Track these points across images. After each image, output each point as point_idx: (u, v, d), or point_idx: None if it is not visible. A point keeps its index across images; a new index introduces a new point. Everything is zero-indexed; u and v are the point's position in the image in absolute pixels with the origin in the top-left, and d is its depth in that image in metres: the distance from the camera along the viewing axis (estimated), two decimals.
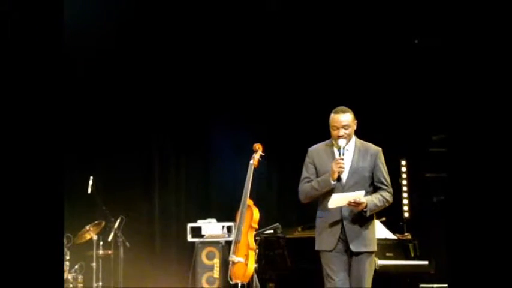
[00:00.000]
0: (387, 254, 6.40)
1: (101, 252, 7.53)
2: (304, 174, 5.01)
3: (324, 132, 7.75)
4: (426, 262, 6.55)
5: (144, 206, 8.31)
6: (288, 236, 6.70)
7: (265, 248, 6.69)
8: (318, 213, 4.98)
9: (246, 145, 7.03)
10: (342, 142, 4.84)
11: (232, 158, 7.78)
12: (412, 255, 6.59)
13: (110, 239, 7.55)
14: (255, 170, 6.80)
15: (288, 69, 8.14)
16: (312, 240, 6.69)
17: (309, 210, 7.75)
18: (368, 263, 4.85)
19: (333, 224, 4.85)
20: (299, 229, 6.93)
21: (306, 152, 7.88)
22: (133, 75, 8.24)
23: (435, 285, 6.84)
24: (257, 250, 6.65)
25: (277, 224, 6.82)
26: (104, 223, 7.54)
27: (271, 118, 8.12)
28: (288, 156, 8.10)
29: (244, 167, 6.85)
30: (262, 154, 6.81)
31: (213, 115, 8.22)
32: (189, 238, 7.74)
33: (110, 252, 7.59)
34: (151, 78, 8.29)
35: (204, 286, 7.49)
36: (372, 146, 4.97)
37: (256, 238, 6.72)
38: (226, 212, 7.67)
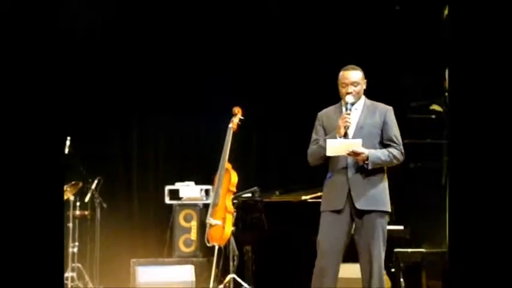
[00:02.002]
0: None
1: (77, 212, 7.52)
2: (313, 137, 4.86)
3: (304, 94, 7.80)
4: (402, 227, 6.62)
5: (121, 167, 8.29)
6: (265, 200, 6.74)
7: (243, 211, 6.73)
8: (327, 175, 4.84)
9: (225, 108, 7.02)
10: (349, 98, 4.70)
11: (211, 121, 7.76)
12: (388, 220, 6.65)
13: (87, 199, 7.54)
14: (233, 133, 6.81)
15: (270, 32, 8.08)
16: (289, 205, 6.78)
17: (288, 174, 7.84)
18: (379, 226, 4.66)
19: (338, 178, 4.70)
20: (277, 193, 6.97)
21: (284, 114, 7.98)
22: (116, 37, 8.14)
23: (409, 250, 6.92)
24: (235, 213, 6.69)
25: (255, 187, 6.85)
26: (81, 184, 7.51)
27: (250, 80, 8.08)
28: (268, 120, 8.11)
29: (223, 130, 6.86)
30: (242, 118, 6.81)
31: (192, 77, 8.17)
32: (167, 200, 7.74)
33: (86, 213, 7.59)
34: (133, 39, 8.19)
35: (181, 248, 7.52)
36: (381, 104, 4.86)
37: (234, 201, 6.76)
38: (205, 175, 7.68)
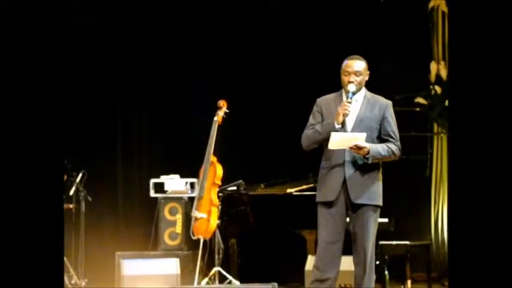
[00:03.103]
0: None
1: None
2: (310, 121, 4.79)
3: (289, 87, 7.82)
4: (386, 220, 6.65)
5: (106, 160, 8.26)
6: (250, 193, 6.76)
7: (228, 204, 6.74)
8: (321, 164, 4.77)
9: (210, 101, 7.01)
10: (351, 87, 4.66)
11: (197, 114, 7.75)
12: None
13: (71, 193, 7.51)
14: (219, 126, 6.81)
15: (256, 25, 8.09)
16: (274, 198, 6.80)
17: (273, 167, 7.85)
18: (372, 219, 4.68)
19: (335, 172, 4.64)
20: (262, 186, 6.99)
21: (269, 107, 7.99)
22: (101, 30, 8.09)
23: (394, 242, 6.95)
24: (220, 206, 6.70)
25: (241, 180, 6.86)
26: (65, 177, 7.49)
27: (234, 73, 8.08)
28: (253, 113, 8.10)
29: (208, 123, 6.86)
30: (227, 111, 6.81)
31: (177, 71, 8.16)
32: (152, 193, 7.72)
33: (71, 206, 7.56)
34: (118, 33, 8.15)
35: (166, 241, 7.52)
36: (382, 98, 4.81)
37: (219, 194, 6.77)
38: (190, 168, 7.67)
